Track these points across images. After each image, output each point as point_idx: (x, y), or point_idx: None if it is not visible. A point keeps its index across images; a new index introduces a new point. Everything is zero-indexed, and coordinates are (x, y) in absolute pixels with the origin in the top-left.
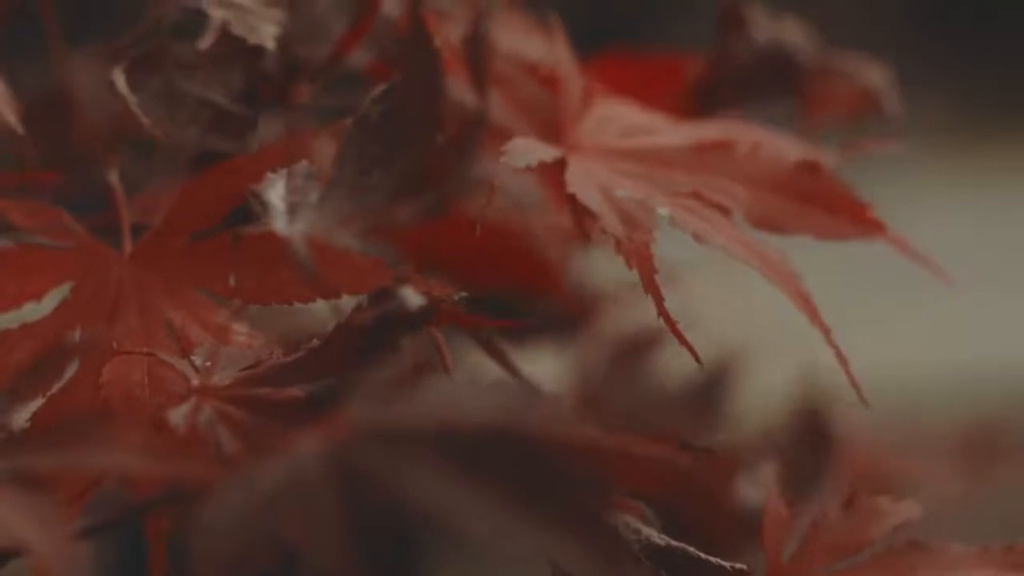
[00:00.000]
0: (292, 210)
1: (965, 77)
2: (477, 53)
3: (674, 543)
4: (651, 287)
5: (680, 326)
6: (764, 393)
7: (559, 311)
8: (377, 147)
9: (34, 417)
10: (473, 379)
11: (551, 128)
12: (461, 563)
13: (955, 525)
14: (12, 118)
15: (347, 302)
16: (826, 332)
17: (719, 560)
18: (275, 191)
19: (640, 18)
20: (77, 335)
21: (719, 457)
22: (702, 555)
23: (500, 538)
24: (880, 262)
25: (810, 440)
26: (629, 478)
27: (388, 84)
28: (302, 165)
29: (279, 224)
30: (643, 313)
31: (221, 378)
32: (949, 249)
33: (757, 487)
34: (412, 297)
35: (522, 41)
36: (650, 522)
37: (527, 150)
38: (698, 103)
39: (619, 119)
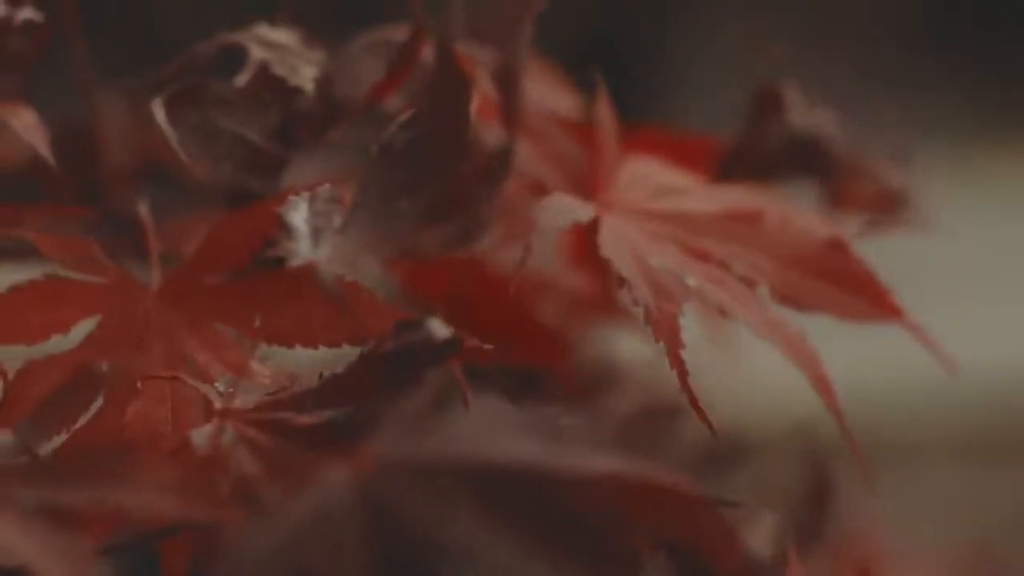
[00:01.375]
0: (315, 234)
1: (976, 79)
2: (506, 85)
3: None
4: (676, 361)
5: (700, 401)
6: (764, 441)
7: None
8: (403, 174)
9: (59, 448)
10: (500, 414)
11: (584, 184)
12: None
13: None
14: (44, 150)
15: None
16: (839, 417)
17: None
18: (298, 214)
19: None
20: (104, 367)
21: (732, 504)
22: None
23: (524, 574)
24: (887, 262)
25: (811, 492)
26: (650, 516)
27: (415, 111)
28: (325, 188)
29: (302, 247)
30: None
31: (244, 402)
32: (961, 252)
33: (762, 538)
34: (439, 328)
35: (556, 96)
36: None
37: (563, 208)
38: (723, 180)
39: (651, 178)
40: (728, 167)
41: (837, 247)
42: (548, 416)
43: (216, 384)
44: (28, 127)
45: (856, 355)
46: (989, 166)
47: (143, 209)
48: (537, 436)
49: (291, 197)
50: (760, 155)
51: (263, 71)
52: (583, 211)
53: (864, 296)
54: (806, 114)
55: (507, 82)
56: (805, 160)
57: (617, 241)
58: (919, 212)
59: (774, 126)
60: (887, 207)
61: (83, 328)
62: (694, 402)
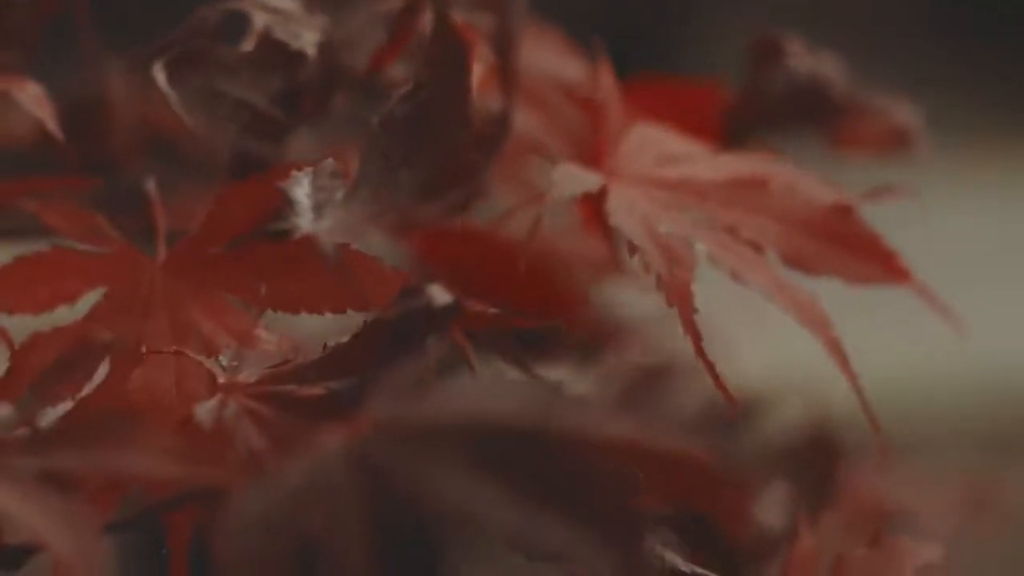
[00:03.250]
0: (318, 208)
1: (983, 76)
2: (503, 51)
3: (699, 570)
4: (690, 326)
5: (715, 366)
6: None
7: (576, 339)
8: (403, 145)
9: (62, 418)
10: (498, 378)
11: (588, 151)
12: (485, 562)
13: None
14: (51, 123)
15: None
16: (853, 379)
17: None
18: (301, 188)
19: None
20: (107, 336)
21: (740, 469)
22: None
23: (524, 537)
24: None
25: (819, 460)
26: (654, 478)
27: (414, 83)
28: (328, 163)
29: (305, 221)
30: (661, 346)
31: (248, 376)
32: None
33: (771, 507)
34: (440, 295)
35: (559, 63)
36: (673, 547)
37: (571, 178)
38: (727, 131)
39: (656, 145)
40: (732, 117)
41: (844, 211)
42: (550, 379)
43: (220, 357)
44: (35, 100)
45: (863, 346)
46: (996, 160)
47: (150, 183)
48: (538, 399)
49: (293, 172)
50: (763, 103)
51: (266, 36)
52: (591, 180)
53: (872, 259)
54: (806, 59)
55: (504, 47)
56: (808, 105)
57: (626, 209)
58: (923, 151)
59: (775, 73)
60: (893, 145)
61: (89, 299)
62: (709, 367)
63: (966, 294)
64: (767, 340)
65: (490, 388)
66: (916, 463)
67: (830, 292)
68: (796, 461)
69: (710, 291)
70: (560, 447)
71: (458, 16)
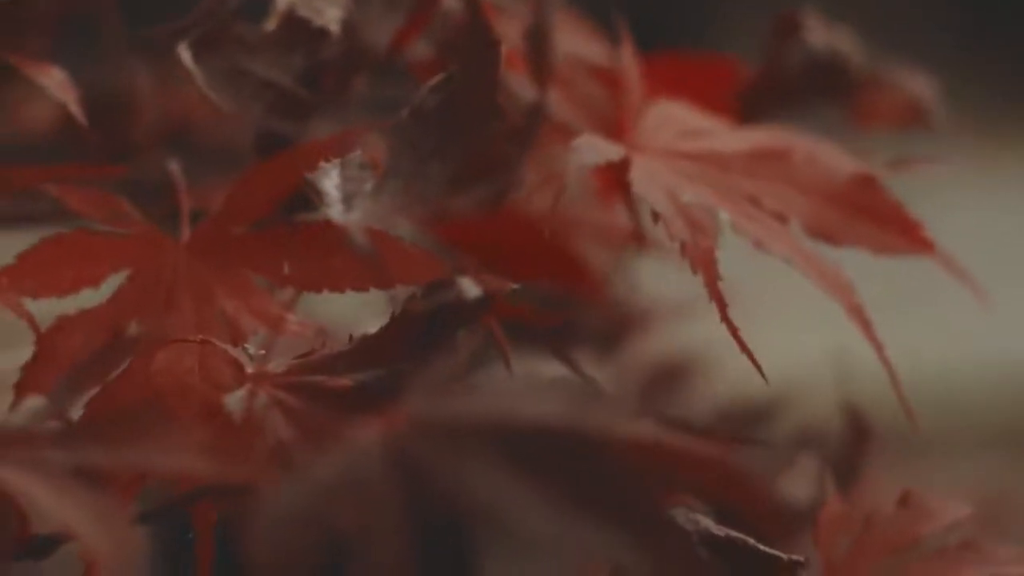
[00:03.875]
0: (347, 199)
1: (998, 72)
2: (537, 44)
3: (733, 534)
4: (715, 293)
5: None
6: (802, 386)
7: (598, 321)
8: (433, 137)
9: (88, 406)
10: (532, 374)
11: (610, 127)
12: (518, 560)
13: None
14: (75, 108)
15: (401, 292)
16: (879, 348)
17: (777, 552)
18: (330, 180)
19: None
20: (134, 326)
21: (766, 455)
22: (760, 546)
23: (558, 535)
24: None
25: (850, 433)
26: (685, 475)
27: (445, 74)
28: (356, 155)
29: (334, 213)
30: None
31: (276, 365)
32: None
33: (801, 481)
34: (470, 287)
35: (581, 42)
36: (705, 514)
37: (593, 148)
38: (746, 106)
39: (677, 120)
40: (751, 93)
41: (866, 181)
42: (584, 376)
43: (247, 346)
44: (59, 86)
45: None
46: (1016, 158)
47: (174, 167)
48: (572, 398)
49: (322, 163)
50: (782, 79)
51: (289, 15)
52: (613, 151)
53: (896, 229)
54: (824, 34)
55: (538, 41)
56: (826, 79)
57: (649, 178)
58: (940, 123)
59: (793, 48)
60: (911, 118)
61: (113, 282)
62: (736, 334)
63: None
64: (792, 322)
65: (524, 385)
66: (936, 455)
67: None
68: (825, 443)
69: (736, 274)
70: (593, 446)
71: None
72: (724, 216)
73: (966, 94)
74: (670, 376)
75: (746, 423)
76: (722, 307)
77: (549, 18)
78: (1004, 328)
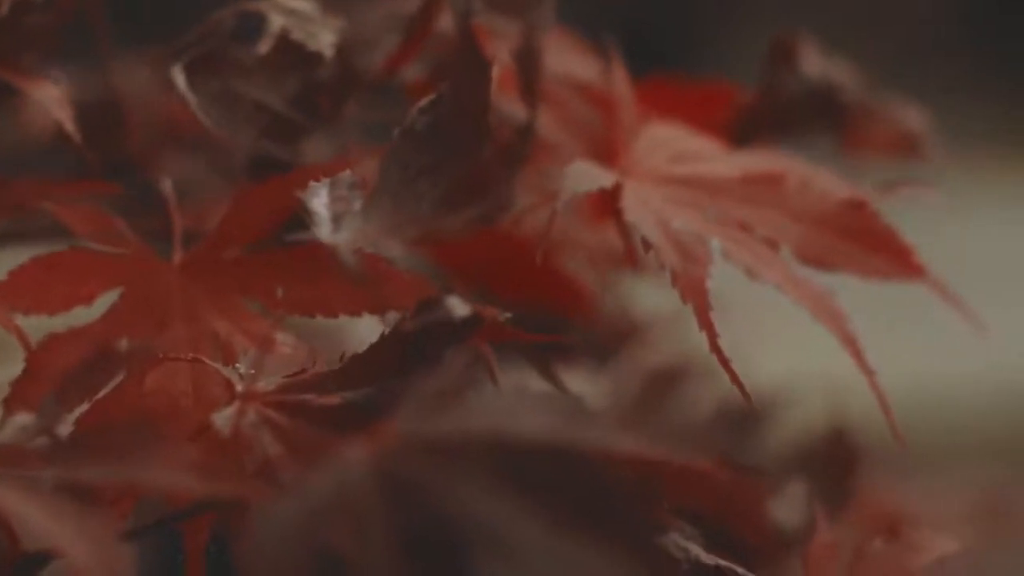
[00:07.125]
0: (336, 218)
1: (1012, 85)
2: (527, 65)
3: (723, 563)
4: (705, 322)
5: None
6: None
7: (591, 337)
8: (423, 157)
9: (78, 423)
10: (521, 392)
11: (602, 149)
12: None
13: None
14: (69, 124)
15: (392, 316)
16: (870, 375)
17: None
18: (319, 199)
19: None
20: (125, 343)
21: (756, 474)
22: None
23: (549, 553)
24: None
25: (837, 459)
26: (675, 494)
27: (435, 94)
28: (346, 175)
29: (323, 232)
30: (677, 343)
31: (266, 384)
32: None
33: (789, 505)
34: (459, 307)
35: (573, 62)
36: (694, 540)
37: (585, 175)
38: (739, 132)
39: (670, 144)
40: (745, 118)
41: (858, 207)
42: (573, 392)
43: (237, 365)
44: (53, 101)
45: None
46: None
47: (167, 185)
48: (561, 414)
49: (312, 183)
50: (775, 106)
51: (283, 38)
52: (605, 177)
53: (887, 254)
54: (820, 63)
55: (527, 60)
56: (821, 108)
57: (640, 205)
58: (934, 156)
59: (789, 76)
60: (904, 149)
61: (105, 300)
62: (726, 364)
63: (980, 303)
64: (784, 342)
65: (514, 402)
66: (931, 472)
67: (857, 304)
68: (813, 461)
69: (726, 291)
70: (583, 462)
71: (478, 21)
72: (715, 243)
73: (962, 124)
74: (664, 386)
75: (738, 434)
76: (712, 336)
77: (538, 39)
78: (997, 344)
